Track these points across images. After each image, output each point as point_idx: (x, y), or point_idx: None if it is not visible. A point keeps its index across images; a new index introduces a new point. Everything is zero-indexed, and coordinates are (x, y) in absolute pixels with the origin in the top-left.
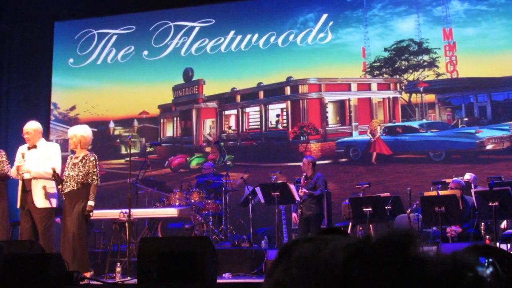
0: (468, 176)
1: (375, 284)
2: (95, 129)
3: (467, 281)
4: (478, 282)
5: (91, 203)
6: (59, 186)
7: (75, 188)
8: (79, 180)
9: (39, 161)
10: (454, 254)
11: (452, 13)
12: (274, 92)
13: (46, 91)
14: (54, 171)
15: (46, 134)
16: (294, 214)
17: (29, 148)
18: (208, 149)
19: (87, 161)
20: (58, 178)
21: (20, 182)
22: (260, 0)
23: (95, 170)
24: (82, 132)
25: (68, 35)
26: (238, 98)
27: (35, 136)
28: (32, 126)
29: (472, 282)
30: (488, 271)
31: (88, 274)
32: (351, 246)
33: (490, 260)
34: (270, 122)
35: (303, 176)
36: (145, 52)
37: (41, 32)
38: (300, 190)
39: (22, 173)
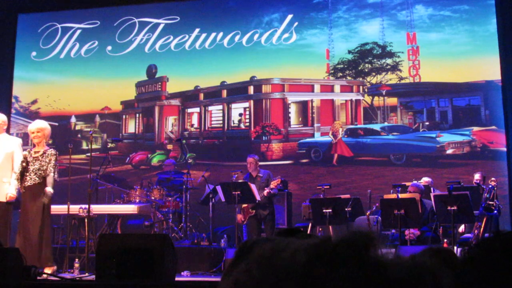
0: (425, 179)
1: (335, 285)
2: (56, 124)
3: (426, 286)
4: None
5: (50, 189)
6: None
7: (37, 182)
8: (41, 174)
9: (0, 154)
10: (413, 257)
11: (416, 18)
12: (237, 91)
13: (7, 84)
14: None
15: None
16: (239, 215)
17: None
18: (169, 147)
19: (49, 155)
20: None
21: None
22: None
23: (54, 163)
24: (48, 126)
25: (32, 28)
26: (201, 96)
27: (0, 128)
28: None
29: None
30: (446, 275)
31: (51, 269)
32: (312, 247)
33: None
34: (233, 121)
35: (248, 176)
36: (109, 48)
37: (4, 24)
38: (265, 190)
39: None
